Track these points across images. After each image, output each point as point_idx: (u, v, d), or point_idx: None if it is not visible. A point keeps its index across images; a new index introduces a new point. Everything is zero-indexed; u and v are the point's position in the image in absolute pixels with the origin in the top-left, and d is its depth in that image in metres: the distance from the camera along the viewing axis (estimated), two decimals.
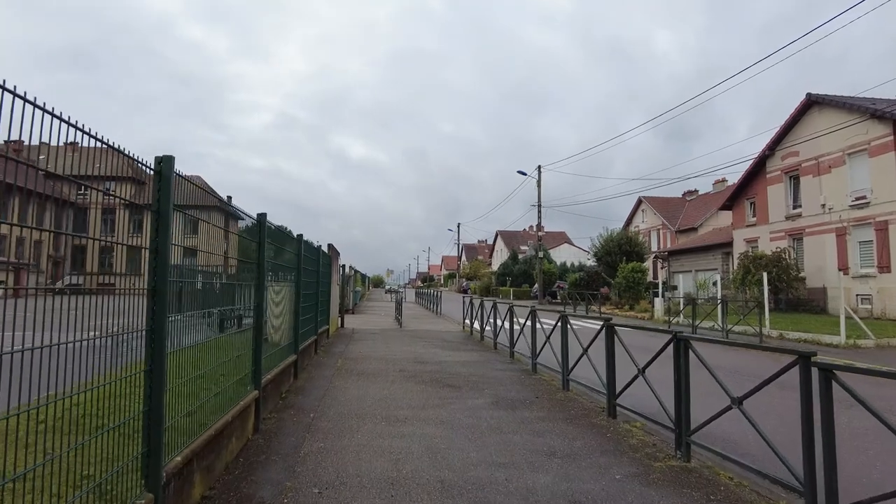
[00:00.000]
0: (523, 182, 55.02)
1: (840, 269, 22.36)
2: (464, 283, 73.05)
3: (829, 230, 23.29)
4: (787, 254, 24.03)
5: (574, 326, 8.30)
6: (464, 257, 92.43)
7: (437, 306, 26.34)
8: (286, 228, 8.35)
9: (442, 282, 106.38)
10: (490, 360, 10.88)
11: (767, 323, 15.43)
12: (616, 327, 6.59)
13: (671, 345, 5.25)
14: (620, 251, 38.55)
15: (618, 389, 6.41)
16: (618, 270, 34.03)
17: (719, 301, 18.93)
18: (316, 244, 11.14)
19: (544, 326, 9.56)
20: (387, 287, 65.06)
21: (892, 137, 20.68)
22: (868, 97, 22.54)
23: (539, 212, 40.54)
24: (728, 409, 4.43)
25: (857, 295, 21.79)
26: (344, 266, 19.29)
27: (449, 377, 8.77)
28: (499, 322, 12.61)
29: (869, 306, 21.19)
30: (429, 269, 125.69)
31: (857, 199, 21.96)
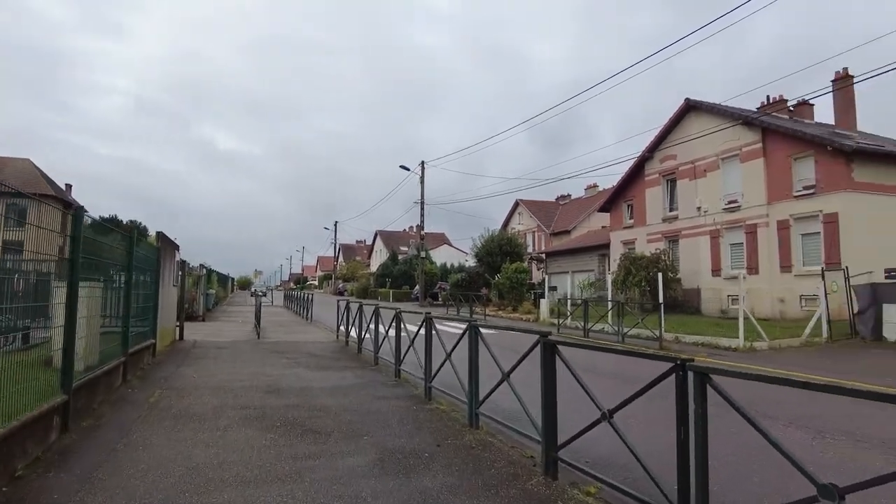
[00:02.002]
0: (406, 178, 52.99)
1: (735, 271, 22.86)
2: (340, 285, 69.49)
3: (704, 232, 23.85)
4: (665, 255, 24.31)
5: (445, 330, 6.19)
6: (341, 258, 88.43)
7: (307, 311, 23.26)
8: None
9: (317, 283, 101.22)
10: (370, 382, 8.47)
11: (662, 325, 14.64)
12: (559, 346, 4.55)
13: (670, 377, 3.28)
14: (501, 252, 37.97)
15: (560, 438, 4.38)
16: (500, 271, 33.20)
17: (611, 302, 18.17)
18: (140, 229, 7.99)
19: (438, 332, 7.37)
20: (252, 289, 59.66)
21: (760, 144, 21.45)
22: (740, 107, 23.43)
23: (422, 209, 38.77)
24: (812, 501, 2.49)
25: (728, 295, 22.40)
26: (185, 262, 15.72)
27: (313, 416, 6.24)
28: (381, 330, 10.25)
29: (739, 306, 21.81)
30: (303, 270, 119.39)
31: (730, 202, 22.61)
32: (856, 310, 15.32)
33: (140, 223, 53.87)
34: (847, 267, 16.29)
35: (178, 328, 13.69)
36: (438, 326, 7.69)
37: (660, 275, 16.08)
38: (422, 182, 38.89)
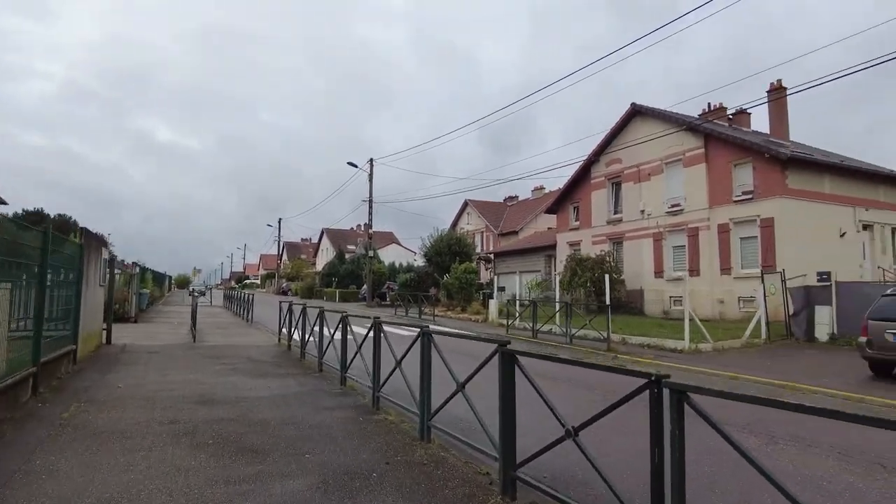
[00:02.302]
0: (354, 175, 51.87)
1: (677, 273, 23.39)
2: (284, 284, 67.59)
3: (647, 235, 24.39)
4: (610, 256, 24.72)
5: (394, 333, 5.84)
6: (285, 256, 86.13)
7: (248, 312, 22.26)
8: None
9: (259, 283, 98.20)
10: (314, 391, 7.97)
11: (610, 327, 14.73)
12: (518, 355, 4.26)
13: (643, 394, 3.04)
14: (450, 252, 37.74)
15: (519, 447, 4.09)
16: (449, 271, 32.99)
17: (558, 303, 18.23)
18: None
19: (387, 337, 6.97)
20: (190, 288, 57.12)
21: (703, 150, 22.10)
22: (684, 113, 24.11)
23: (370, 207, 38.08)
24: None
25: (670, 297, 22.99)
26: (114, 259, 14.61)
27: (250, 431, 5.72)
28: (326, 333, 9.74)
29: (681, 307, 22.39)
30: (245, 268, 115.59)
31: (673, 206, 23.19)
32: (791, 311, 15.94)
33: (70, 217, 50.65)
34: (783, 270, 16.94)
35: (105, 331, 12.67)
36: (387, 329, 7.29)
37: (606, 276, 16.20)
38: (370, 179, 38.23)
